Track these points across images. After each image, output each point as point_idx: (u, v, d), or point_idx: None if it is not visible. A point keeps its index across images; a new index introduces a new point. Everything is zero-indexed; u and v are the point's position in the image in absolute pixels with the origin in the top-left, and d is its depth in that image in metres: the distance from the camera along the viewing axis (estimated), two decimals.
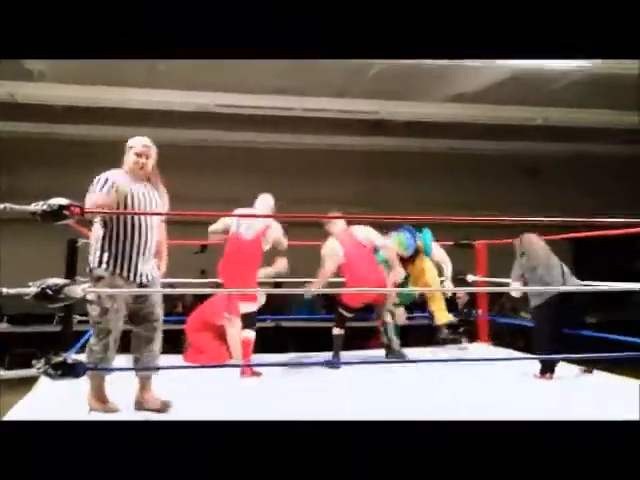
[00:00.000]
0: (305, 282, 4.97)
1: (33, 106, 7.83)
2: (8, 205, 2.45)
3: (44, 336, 6.67)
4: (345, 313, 4.91)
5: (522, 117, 8.83)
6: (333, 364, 4.76)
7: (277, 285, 8.42)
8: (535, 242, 4.47)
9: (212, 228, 4.75)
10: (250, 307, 4.55)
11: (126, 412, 3.24)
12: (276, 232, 4.60)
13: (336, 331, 4.89)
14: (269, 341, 7.75)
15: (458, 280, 5.65)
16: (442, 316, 5.38)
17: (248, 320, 4.52)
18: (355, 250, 4.87)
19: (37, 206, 2.49)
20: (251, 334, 4.48)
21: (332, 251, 4.86)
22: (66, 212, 2.49)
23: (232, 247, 4.58)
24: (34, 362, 2.42)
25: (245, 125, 8.99)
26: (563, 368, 4.32)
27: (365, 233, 4.98)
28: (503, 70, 7.36)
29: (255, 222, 4.55)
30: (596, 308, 7.54)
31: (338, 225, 4.94)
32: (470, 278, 5.89)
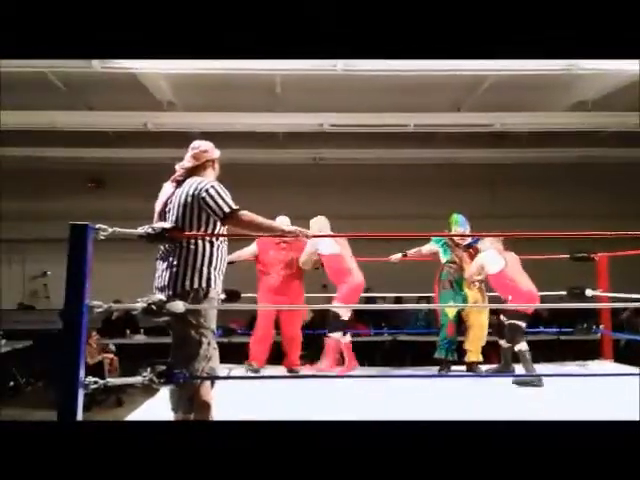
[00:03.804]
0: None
1: (166, 133, 8.37)
2: (117, 229, 2.81)
3: None
4: (522, 324, 4.79)
5: None
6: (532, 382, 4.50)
7: (397, 300, 8.59)
8: None
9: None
10: None
11: None
12: None
13: (522, 346, 4.68)
14: (387, 354, 7.95)
15: (574, 295, 5.50)
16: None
17: None
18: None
19: (143, 229, 2.85)
20: None
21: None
22: (167, 234, 2.83)
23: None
24: (140, 371, 2.66)
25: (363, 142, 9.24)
26: None
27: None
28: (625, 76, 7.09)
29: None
30: None
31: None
32: (589, 293, 5.67)
